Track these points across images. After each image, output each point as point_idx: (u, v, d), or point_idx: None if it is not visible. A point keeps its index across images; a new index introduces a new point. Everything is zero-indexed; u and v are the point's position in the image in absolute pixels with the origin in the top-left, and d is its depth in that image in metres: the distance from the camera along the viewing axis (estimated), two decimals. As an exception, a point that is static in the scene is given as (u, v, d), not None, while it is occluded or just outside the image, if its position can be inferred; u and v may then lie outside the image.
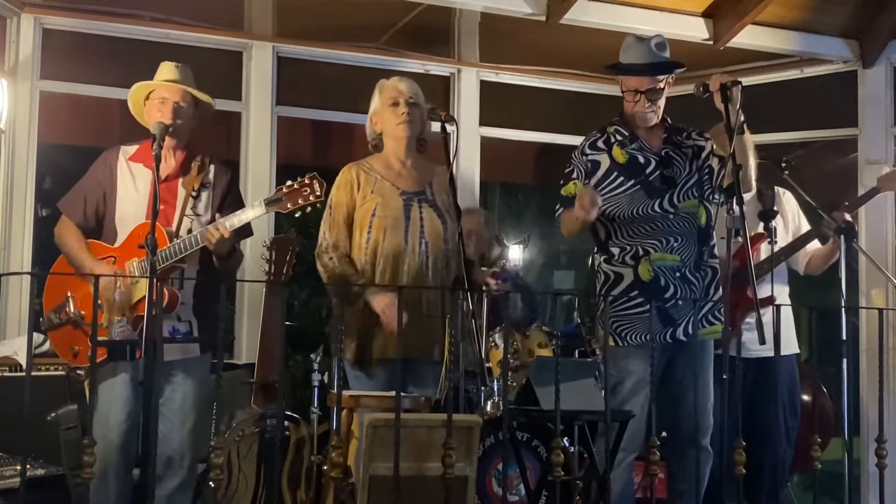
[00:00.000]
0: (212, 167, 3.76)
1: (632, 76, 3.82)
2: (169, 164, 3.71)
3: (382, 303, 3.66)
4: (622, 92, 3.89)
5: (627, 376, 3.71)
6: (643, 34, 3.95)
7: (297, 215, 3.60)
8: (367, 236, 3.79)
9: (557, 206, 3.92)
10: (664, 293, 3.73)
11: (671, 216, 3.79)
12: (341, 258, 3.80)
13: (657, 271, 3.74)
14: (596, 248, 3.91)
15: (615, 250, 3.82)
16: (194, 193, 3.68)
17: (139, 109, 3.78)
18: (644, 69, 3.82)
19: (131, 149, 3.75)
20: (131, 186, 3.68)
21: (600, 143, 3.87)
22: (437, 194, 3.88)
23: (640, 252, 3.76)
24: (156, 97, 3.71)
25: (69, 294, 3.63)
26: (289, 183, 3.57)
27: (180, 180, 3.70)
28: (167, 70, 3.76)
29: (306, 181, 3.55)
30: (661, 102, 3.85)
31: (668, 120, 3.94)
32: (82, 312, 3.60)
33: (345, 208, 3.84)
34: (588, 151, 3.87)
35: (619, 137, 3.85)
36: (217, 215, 3.69)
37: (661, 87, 3.82)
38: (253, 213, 3.56)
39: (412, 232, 3.78)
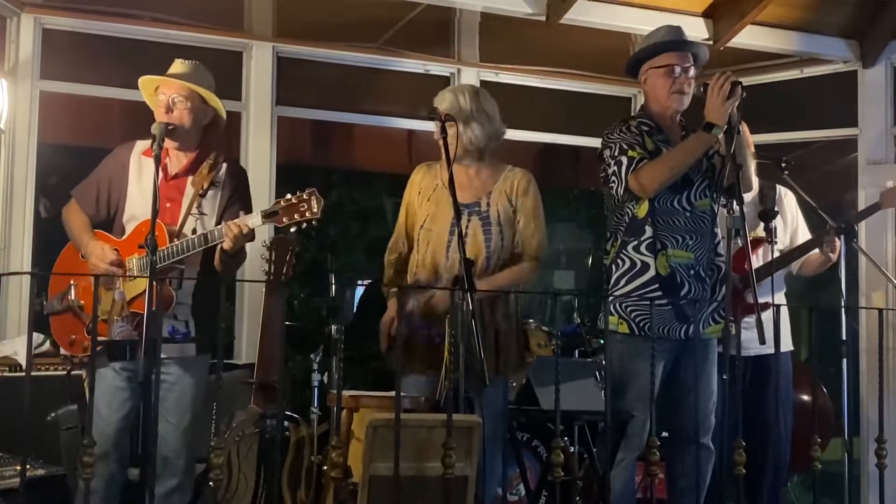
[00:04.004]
0: (224, 166, 3.71)
1: (671, 51, 3.82)
2: (179, 161, 3.68)
3: (386, 315, 3.74)
4: (646, 81, 3.86)
5: (633, 377, 3.69)
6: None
7: (291, 230, 3.51)
8: (417, 248, 3.82)
9: (629, 167, 3.72)
10: (680, 290, 3.73)
11: (687, 214, 3.78)
12: (394, 263, 3.89)
13: (672, 267, 3.74)
14: (625, 230, 3.82)
15: (645, 236, 3.75)
16: (202, 192, 3.63)
17: (153, 102, 3.73)
18: (681, 44, 3.85)
19: (145, 143, 3.69)
20: (141, 183, 3.66)
21: (633, 128, 3.83)
22: (493, 204, 3.82)
23: (658, 245, 3.75)
24: (160, 92, 3.67)
25: (72, 282, 3.62)
26: (287, 196, 3.51)
27: (190, 178, 3.66)
28: (174, 66, 3.72)
29: (304, 196, 3.47)
30: (690, 91, 3.85)
31: (683, 119, 3.93)
32: (81, 302, 3.60)
33: (405, 209, 3.91)
34: (633, 130, 3.80)
35: (645, 128, 3.84)
36: (226, 213, 3.65)
37: (691, 72, 3.83)
38: (251, 221, 3.51)
39: (453, 247, 3.73)
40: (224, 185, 3.70)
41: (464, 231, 3.70)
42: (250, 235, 3.51)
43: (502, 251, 3.80)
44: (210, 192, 3.66)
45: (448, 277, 3.69)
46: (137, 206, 3.64)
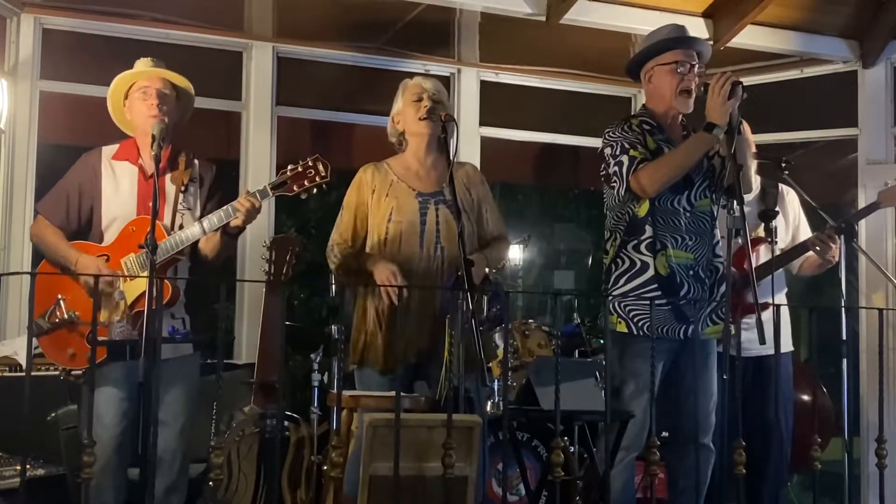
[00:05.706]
0: (196, 162, 3.73)
1: (677, 48, 3.81)
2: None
3: (384, 273, 3.59)
4: (650, 79, 3.84)
5: (632, 377, 3.69)
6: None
7: (303, 197, 3.57)
8: (385, 241, 3.73)
9: (630, 167, 3.71)
10: (679, 290, 3.73)
11: (688, 214, 3.78)
12: (345, 252, 3.76)
13: (672, 267, 3.73)
14: (625, 229, 3.81)
15: (645, 236, 3.74)
16: (183, 188, 3.63)
17: (118, 109, 3.74)
18: (688, 41, 3.84)
19: (112, 148, 3.71)
20: (117, 185, 3.64)
21: (635, 127, 3.82)
22: (455, 192, 3.81)
23: (658, 245, 3.74)
24: (136, 90, 3.66)
25: (59, 297, 3.55)
26: (291, 166, 3.55)
27: (168, 176, 3.66)
28: (142, 63, 3.74)
29: (309, 163, 3.53)
30: (695, 91, 3.82)
31: (684, 119, 3.93)
32: (77, 313, 3.54)
33: (353, 210, 3.82)
34: (635, 128, 3.79)
35: (646, 127, 3.83)
36: (208, 206, 3.66)
37: (697, 69, 3.81)
38: (261, 194, 3.51)
39: (427, 236, 3.72)
40: (201, 180, 3.73)
41: (434, 221, 3.73)
42: (260, 209, 3.55)
43: (473, 237, 3.79)
44: (191, 188, 3.68)
45: (423, 267, 3.68)
46: (118, 208, 3.62)
